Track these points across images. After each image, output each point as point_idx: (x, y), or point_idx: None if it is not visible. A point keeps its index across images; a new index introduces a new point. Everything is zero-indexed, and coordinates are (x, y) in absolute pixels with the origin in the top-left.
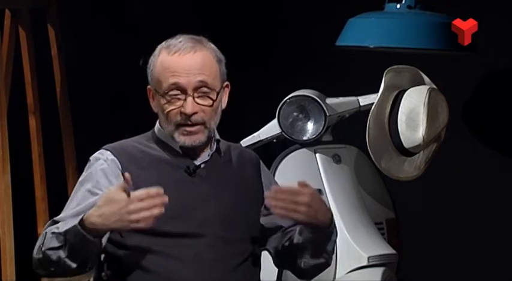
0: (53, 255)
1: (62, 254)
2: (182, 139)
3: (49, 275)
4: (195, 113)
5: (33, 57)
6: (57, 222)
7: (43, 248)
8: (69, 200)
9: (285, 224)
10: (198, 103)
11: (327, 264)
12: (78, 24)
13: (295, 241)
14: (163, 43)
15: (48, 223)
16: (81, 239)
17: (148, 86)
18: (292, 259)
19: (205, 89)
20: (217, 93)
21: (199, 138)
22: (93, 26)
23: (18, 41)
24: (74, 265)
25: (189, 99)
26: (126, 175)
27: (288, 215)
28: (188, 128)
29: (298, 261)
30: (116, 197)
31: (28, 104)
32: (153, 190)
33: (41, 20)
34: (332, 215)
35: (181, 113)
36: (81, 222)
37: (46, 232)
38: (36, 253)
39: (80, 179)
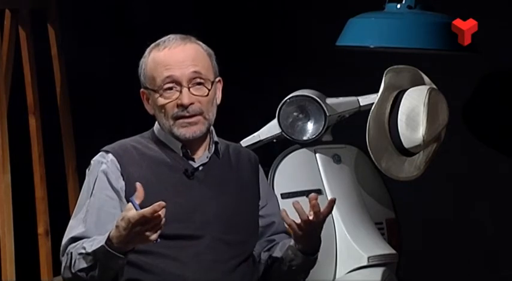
0: (85, 275)
1: (93, 273)
2: (182, 131)
3: None
4: (192, 103)
5: (33, 57)
6: (76, 238)
7: (73, 270)
8: (77, 209)
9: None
10: (193, 94)
11: None
12: (78, 24)
13: (274, 254)
14: (152, 44)
15: (66, 241)
16: (111, 257)
17: (141, 89)
18: (266, 270)
19: (199, 80)
20: (212, 84)
21: (199, 128)
22: (93, 26)
23: (18, 41)
24: None
25: (185, 90)
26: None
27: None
28: (187, 120)
29: (272, 272)
30: (128, 215)
31: (28, 104)
32: (154, 207)
33: (41, 20)
34: (320, 245)
35: (178, 105)
36: (108, 241)
37: (72, 253)
38: (64, 273)
39: (84, 185)
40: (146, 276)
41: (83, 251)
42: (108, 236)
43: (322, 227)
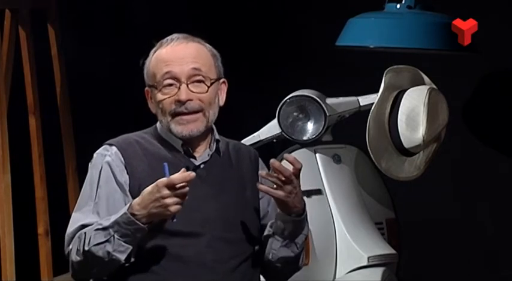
0: (100, 251)
1: (109, 248)
2: (179, 129)
3: (90, 277)
4: (190, 100)
5: (33, 57)
6: (86, 225)
7: (86, 247)
8: (80, 203)
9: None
10: (192, 91)
11: (295, 262)
12: (78, 24)
13: (265, 233)
14: (157, 45)
15: (75, 228)
16: (131, 225)
17: (146, 88)
18: (262, 253)
19: (199, 77)
20: (212, 82)
21: (197, 126)
22: (93, 26)
23: (18, 41)
24: (122, 258)
25: (183, 86)
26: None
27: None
28: (184, 117)
29: (266, 253)
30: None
31: (28, 104)
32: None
33: (41, 20)
34: (305, 205)
35: (176, 101)
36: (129, 208)
37: (85, 233)
38: (75, 256)
39: (87, 178)
40: (146, 275)
41: (100, 226)
42: (131, 204)
43: (299, 184)
